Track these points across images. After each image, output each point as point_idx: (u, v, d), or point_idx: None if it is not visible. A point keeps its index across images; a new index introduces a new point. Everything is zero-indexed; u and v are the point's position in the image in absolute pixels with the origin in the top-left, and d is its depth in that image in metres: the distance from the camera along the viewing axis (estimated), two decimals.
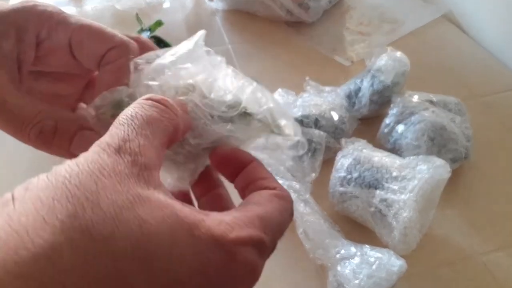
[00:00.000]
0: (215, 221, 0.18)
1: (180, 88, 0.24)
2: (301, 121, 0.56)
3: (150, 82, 0.25)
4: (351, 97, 0.62)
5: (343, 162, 0.50)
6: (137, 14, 0.75)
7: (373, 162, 0.48)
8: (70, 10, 0.83)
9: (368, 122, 0.62)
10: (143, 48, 0.29)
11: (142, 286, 0.16)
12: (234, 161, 0.25)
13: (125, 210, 0.16)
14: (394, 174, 0.46)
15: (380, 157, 0.49)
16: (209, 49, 0.27)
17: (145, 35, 0.70)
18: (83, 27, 0.27)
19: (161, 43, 0.69)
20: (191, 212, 0.18)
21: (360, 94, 0.61)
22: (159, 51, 0.27)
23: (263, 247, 0.19)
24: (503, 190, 0.56)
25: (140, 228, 0.16)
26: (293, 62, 0.76)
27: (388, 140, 0.57)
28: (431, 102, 0.58)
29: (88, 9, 0.84)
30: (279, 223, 0.21)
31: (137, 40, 0.30)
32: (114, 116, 0.25)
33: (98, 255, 0.15)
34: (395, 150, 0.55)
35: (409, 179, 0.45)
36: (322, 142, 0.54)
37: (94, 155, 0.18)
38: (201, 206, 0.27)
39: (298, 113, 0.57)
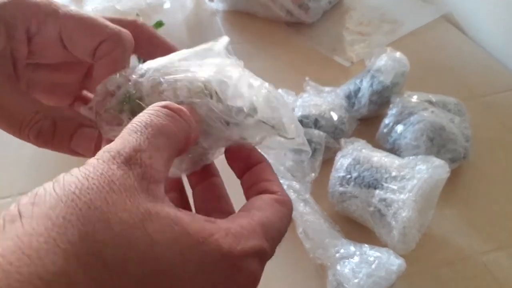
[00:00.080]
0: (222, 233, 0.19)
1: (194, 89, 0.24)
2: (301, 121, 0.57)
3: (162, 78, 0.24)
4: (351, 97, 0.62)
5: (342, 162, 0.50)
6: (137, 15, 0.76)
7: (373, 162, 0.48)
8: None
9: (367, 122, 0.62)
10: (140, 32, 0.29)
11: None
12: (244, 159, 0.25)
13: (136, 230, 0.16)
14: (393, 174, 0.46)
15: (380, 157, 0.49)
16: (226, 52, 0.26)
17: None
18: (72, 20, 0.26)
19: None
20: (200, 226, 0.18)
21: (359, 95, 0.61)
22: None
23: (264, 255, 0.20)
24: (503, 190, 0.56)
25: (151, 249, 0.16)
26: (293, 63, 0.77)
27: (387, 140, 0.57)
28: (430, 102, 0.58)
29: (89, 9, 0.85)
30: (279, 230, 0.22)
31: (133, 24, 0.28)
32: (122, 111, 0.24)
33: (110, 280, 0.16)
34: (394, 150, 0.55)
35: (408, 179, 0.45)
36: (321, 142, 0.54)
37: (104, 165, 0.18)
38: (196, 195, 0.27)
39: (298, 113, 0.58)
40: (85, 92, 0.32)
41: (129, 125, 0.20)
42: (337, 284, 0.42)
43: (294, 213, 0.47)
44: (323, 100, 0.60)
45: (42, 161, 0.60)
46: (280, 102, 0.26)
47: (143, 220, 0.17)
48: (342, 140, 0.52)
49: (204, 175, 0.27)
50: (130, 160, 0.18)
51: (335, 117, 0.58)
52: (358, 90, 0.62)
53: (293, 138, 0.26)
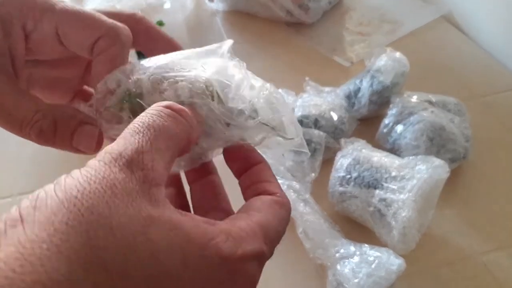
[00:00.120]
0: (222, 237, 0.19)
1: (195, 89, 0.24)
2: (301, 121, 0.57)
3: (163, 77, 0.24)
4: (351, 97, 0.62)
5: (342, 162, 0.50)
6: None
7: (372, 162, 0.48)
8: None
9: (367, 122, 0.62)
10: (139, 26, 0.28)
11: None
12: (243, 160, 0.25)
13: (138, 236, 0.16)
14: (393, 174, 0.46)
15: (379, 157, 0.49)
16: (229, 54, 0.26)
17: None
18: (68, 16, 0.25)
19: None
20: (200, 230, 0.18)
21: (359, 95, 0.61)
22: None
23: (263, 258, 0.20)
24: (503, 190, 0.56)
25: (153, 255, 0.17)
26: (293, 63, 0.77)
27: (387, 140, 0.57)
28: (430, 102, 0.58)
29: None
30: (278, 232, 0.22)
31: (132, 17, 0.28)
32: (122, 109, 0.24)
33: (113, 287, 0.16)
34: (394, 150, 0.55)
35: (408, 179, 0.45)
36: (321, 142, 0.54)
37: (105, 168, 0.17)
38: (193, 192, 0.27)
39: (298, 113, 0.58)
40: (86, 87, 0.31)
41: (130, 125, 0.20)
42: (337, 284, 0.42)
43: (294, 213, 0.47)
44: (323, 100, 0.60)
45: (43, 161, 0.60)
46: (280, 102, 0.26)
47: (145, 225, 0.17)
48: (342, 140, 0.52)
49: (202, 172, 0.27)
50: (132, 163, 0.18)
51: (335, 117, 0.58)
52: (358, 90, 0.62)
53: (292, 139, 0.26)
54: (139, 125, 0.19)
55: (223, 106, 0.24)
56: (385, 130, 0.57)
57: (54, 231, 0.15)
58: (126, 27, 0.26)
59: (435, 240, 0.50)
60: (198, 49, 0.26)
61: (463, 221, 0.52)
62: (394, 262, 0.41)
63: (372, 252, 0.42)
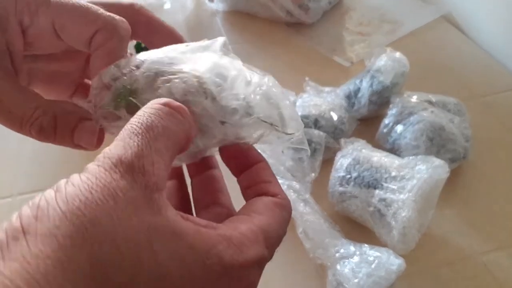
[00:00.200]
0: (224, 244, 0.19)
1: (188, 87, 0.23)
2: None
3: (156, 75, 0.23)
4: (351, 97, 0.62)
5: (342, 162, 0.50)
6: None
7: (372, 162, 0.48)
8: None
9: (367, 122, 0.62)
10: (138, 17, 0.28)
11: None
12: (242, 159, 0.25)
13: (142, 249, 0.16)
14: (393, 174, 0.46)
15: (379, 157, 0.49)
16: (224, 49, 0.26)
17: None
18: (64, 9, 0.25)
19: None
20: (203, 238, 0.18)
21: (359, 95, 0.61)
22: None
23: (264, 262, 0.20)
24: (503, 190, 0.56)
25: (157, 267, 0.17)
26: (293, 63, 0.77)
27: (387, 140, 0.57)
28: (430, 102, 0.58)
29: None
30: (279, 235, 0.22)
31: (130, 8, 0.28)
32: (117, 107, 0.24)
33: None
34: (394, 150, 0.55)
35: (408, 179, 0.45)
36: (321, 142, 0.54)
37: (106, 175, 0.17)
38: (194, 186, 0.27)
39: (298, 113, 0.58)
40: (87, 80, 0.31)
41: (128, 126, 0.19)
42: (337, 284, 0.42)
43: (294, 213, 0.47)
44: (323, 100, 0.60)
45: (43, 161, 0.60)
46: (279, 97, 0.25)
47: (149, 237, 0.17)
48: (342, 140, 0.52)
49: (204, 166, 0.27)
50: (132, 168, 0.18)
51: (335, 117, 0.58)
52: (358, 90, 0.62)
53: (293, 134, 0.26)
54: (137, 125, 0.19)
55: (217, 104, 0.23)
56: (385, 130, 0.57)
57: (59, 246, 0.15)
58: (124, 19, 0.26)
59: (435, 240, 0.50)
60: (192, 44, 0.26)
61: (463, 221, 0.52)
62: (394, 262, 0.41)
63: (372, 252, 0.42)
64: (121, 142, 0.18)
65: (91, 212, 0.16)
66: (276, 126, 0.25)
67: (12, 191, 0.56)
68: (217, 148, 0.26)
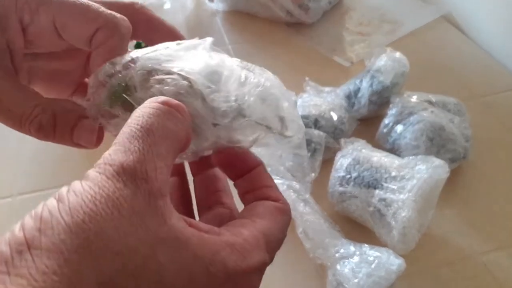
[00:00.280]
0: (227, 250, 0.19)
1: (178, 89, 0.22)
2: None
3: (149, 74, 0.23)
4: (351, 97, 0.62)
5: (342, 162, 0.50)
6: None
7: (372, 162, 0.48)
8: None
9: (367, 122, 0.62)
10: (138, 16, 0.27)
11: None
12: (239, 164, 0.24)
13: (147, 259, 0.16)
14: (393, 174, 0.46)
15: (379, 157, 0.49)
16: (215, 48, 0.25)
17: None
18: (65, 7, 0.25)
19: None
20: (206, 245, 0.18)
21: (359, 95, 0.61)
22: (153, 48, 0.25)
23: (265, 267, 0.21)
24: (503, 190, 0.56)
25: (163, 278, 0.17)
26: (293, 63, 0.77)
27: (387, 140, 0.57)
28: (430, 102, 0.58)
29: None
30: (279, 240, 0.22)
31: (131, 7, 0.27)
32: (113, 105, 0.23)
33: None
34: (394, 150, 0.55)
35: (408, 179, 0.45)
36: (321, 142, 0.54)
37: (109, 184, 0.17)
38: (197, 185, 0.27)
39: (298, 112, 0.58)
40: (88, 80, 0.31)
41: (127, 129, 0.19)
42: (337, 284, 0.42)
43: (294, 213, 0.47)
44: (323, 100, 0.60)
45: (42, 161, 0.60)
46: (278, 98, 0.25)
47: (154, 248, 0.17)
48: (342, 140, 0.52)
49: (206, 164, 0.27)
50: (135, 176, 0.17)
51: (335, 117, 0.58)
52: (358, 90, 0.62)
53: (291, 137, 0.25)
54: (136, 128, 0.19)
55: (207, 106, 0.23)
56: (385, 130, 0.57)
57: (64, 261, 0.15)
58: (125, 18, 0.26)
59: (435, 240, 0.50)
60: (184, 43, 0.25)
61: (463, 221, 0.52)
62: (394, 262, 0.41)
63: (372, 252, 0.42)
64: (122, 147, 0.18)
65: (96, 224, 0.16)
66: (273, 128, 0.24)
67: (12, 191, 0.56)
68: (207, 152, 0.25)
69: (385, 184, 0.46)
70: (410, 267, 0.42)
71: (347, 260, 0.42)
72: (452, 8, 0.87)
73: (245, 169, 0.24)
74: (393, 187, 0.45)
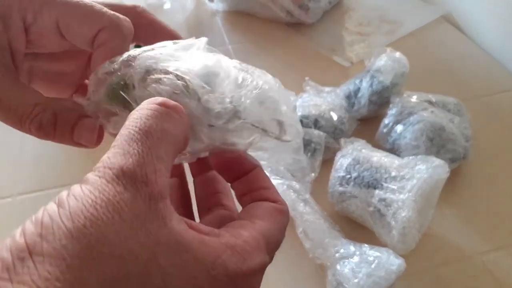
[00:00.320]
0: (228, 253, 0.19)
1: (173, 89, 0.22)
2: (301, 121, 0.57)
3: (146, 74, 0.23)
4: (351, 97, 0.62)
5: (342, 162, 0.50)
6: None
7: (372, 162, 0.48)
8: None
9: (367, 122, 0.62)
10: (140, 19, 0.28)
11: None
12: (236, 167, 0.24)
13: (149, 264, 0.17)
14: (393, 174, 0.46)
15: (379, 157, 0.49)
16: (210, 47, 0.25)
17: None
18: (69, 7, 0.25)
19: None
20: (207, 249, 0.18)
21: (359, 95, 0.61)
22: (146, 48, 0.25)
23: (265, 267, 0.21)
24: (502, 190, 0.56)
25: (164, 282, 0.17)
26: (293, 63, 0.77)
27: (387, 140, 0.57)
28: (430, 102, 0.58)
29: None
30: (278, 241, 0.22)
31: (133, 10, 0.27)
32: (111, 102, 0.23)
33: None
34: (394, 150, 0.55)
35: (408, 179, 0.45)
36: (321, 142, 0.54)
37: (110, 188, 0.17)
38: (197, 186, 0.27)
39: (297, 113, 0.58)
40: (87, 81, 0.31)
41: (126, 131, 0.19)
42: (337, 284, 0.42)
43: (294, 213, 0.47)
44: (323, 100, 0.60)
45: (43, 161, 0.60)
46: (276, 101, 0.24)
47: (155, 251, 0.17)
48: (342, 140, 0.52)
49: (206, 165, 0.27)
50: (135, 179, 0.17)
51: (335, 117, 0.58)
52: (357, 90, 0.62)
53: (289, 141, 0.25)
54: (135, 130, 0.18)
55: (202, 106, 0.22)
56: (385, 130, 0.57)
57: (67, 267, 0.15)
58: (127, 19, 0.26)
59: (435, 240, 0.50)
60: (181, 42, 0.25)
61: (463, 221, 0.52)
62: (394, 262, 0.41)
63: (372, 252, 0.42)
64: (121, 150, 0.18)
65: (97, 229, 0.16)
66: (269, 132, 0.24)
67: (12, 191, 0.56)
68: (204, 154, 0.25)
69: (385, 184, 0.46)
70: (410, 267, 0.42)
71: (347, 260, 0.42)
72: (452, 8, 0.87)
73: (242, 171, 0.24)
74: (393, 187, 0.45)
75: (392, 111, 0.57)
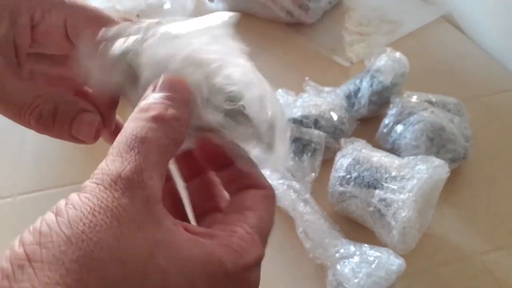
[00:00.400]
0: (222, 250, 0.19)
1: (186, 61, 0.23)
2: (301, 121, 0.57)
3: (159, 51, 0.23)
4: (351, 97, 0.62)
5: (342, 162, 0.50)
6: (137, 16, 0.76)
7: (372, 162, 0.48)
8: None
9: (367, 122, 0.62)
10: None
11: None
12: (221, 155, 0.25)
13: (147, 263, 0.17)
14: (393, 174, 0.46)
15: (379, 157, 0.49)
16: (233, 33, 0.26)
17: None
18: (78, 11, 0.26)
19: None
20: (202, 249, 0.19)
21: (359, 95, 0.61)
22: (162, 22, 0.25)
23: (261, 259, 0.21)
24: (503, 190, 0.56)
25: (162, 278, 0.17)
26: (293, 63, 0.77)
27: (387, 140, 0.57)
28: (430, 102, 0.58)
29: None
30: (270, 229, 0.22)
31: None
32: (120, 65, 0.24)
33: None
34: (394, 150, 0.55)
35: (408, 179, 0.45)
36: (321, 142, 0.54)
37: (107, 194, 0.17)
38: (191, 192, 0.27)
39: (297, 113, 0.58)
40: (87, 88, 0.31)
41: (122, 138, 0.19)
42: (337, 284, 0.42)
43: (294, 213, 0.47)
44: (323, 100, 0.60)
45: (43, 161, 0.60)
46: (276, 107, 0.24)
47: (152, 252, 0.17)
48: (342, 140, 0.52)
49: (197, 170, 0.27)
50: (132, 184, 0.18)
51: (335, 117, 0.58)
52: (358, 90, 0.62)
53: (273, 153, 0.24)
54: (132, 138, 0.19)
55: (209, 80, 0.23)
56: (385, 130, 0.57)
57: (66, 272, 0.15)
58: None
59: (435, 240, 0.50)
60: (196, 25, 0.26)
61: (463, 221, 0.52)
62: (394, 262, 0.41)
63: (372, 252, 0.42)
64: (118, 157, 0.19)
65: (96, 235, 0.16)
66: (261, 134, 0.24)
67: (12, 191, 0.56)
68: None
69: (385, 184, 0.46)
70: (410, 266, 0.42)
71: (347, 260, 0.42)
72: (452, 8, 0.87)
73: (227, 159, 0.25)
74: (393, 187, 0.45)
75: (392, 111, 0.57)
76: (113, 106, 0.27)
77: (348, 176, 0.49)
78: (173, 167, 0.27)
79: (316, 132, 0.55)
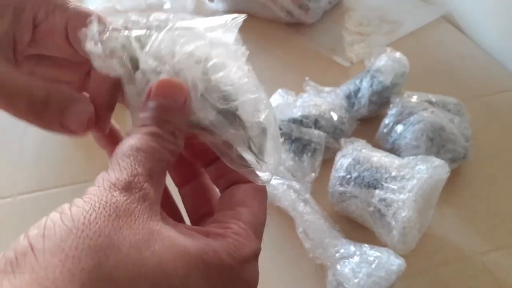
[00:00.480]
0: (217, 243, 0.20)
1: (187, 57, 0.23)
2: (301, 121, 0.57)
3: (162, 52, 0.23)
4: (351, 97, 0.62)
5: (342, 162, 0.50)
6: None
7: (372, 162, 0.48)
8: None
9: (367, 122, 0.62)
10: None
11: None
12: (209, 151, 0.25)
13: (144, 249, 0.18)
14: (393, 174, 0.46)
15: (379, 157, 0.49)
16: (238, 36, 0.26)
17: None
18: (80, 15, 0.26)
19: None
20: (198, 240, 0.19)
21: (359, 95, 0.61)
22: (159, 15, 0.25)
23: (258, 253, 0.21)
24: (503, 190, 0.56)
25: (159, 265, 0.18)
26: (293, 63, 0.77)
27: (387, 140, 0.57)
28: (430, 102, 0.58)
29: None
30: (264, 222, 0.23)
31: None
32: (118, 52, 0.24)
33: None
34: (394, 150, 0.55)
35: (408, 179, 0.45)
36: (321, 142, 0.54)
37: (107, 193, 0.19)
38: (185, 197, 0.27)
39: (297, 113, 0.58)
40: (85, 94, 0.32)
41: (120, 150, 0.20)
42: (337, 284, 0.42)
43: (294, 213, 0.47)
44: (323, 100, 0.60)
45: (43, 161, 0.60)
46: (269, 113, 0.24)
47: (149, 239, 0.18)
48: (342, 140, 0.52)
49: (190, 175, 0.27)
50: (130, 185, 0.19)
51: (335, 117, 0.58)
52: (358, 90, 0.62)
53: (265, 162, 0.24)
54: (128, 148, 0.20)
55: (205, 76, 0.23)
56: (385, 130, 0.57)
57: (65, 256, 0.16)
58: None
59: (435, 240, 0.50)
60: (205, 26, 0.26)
61: (463, 221, 0.52)
62: (394, 262, 0.41)
63: (372, 252, 0.42)
64: (116, 166, 0.20)
65: (95, 225, 0.17)
66: (250, 136, 0.23)
67: (12, 191, 0.56)
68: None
69: (385, 184, 0.46)
70: (410, 266, 0.42)
71: (347, 260, 0.42)
72: (452, 8, 0.87)
73: (215, 154, 0.25)
74: (393, 187, 0.45)
75: (392, 111, 0.57)
76: (109, 107, 0.27)
77: (348, 176, 0.49)
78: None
79: (316, 132, 0.55)
